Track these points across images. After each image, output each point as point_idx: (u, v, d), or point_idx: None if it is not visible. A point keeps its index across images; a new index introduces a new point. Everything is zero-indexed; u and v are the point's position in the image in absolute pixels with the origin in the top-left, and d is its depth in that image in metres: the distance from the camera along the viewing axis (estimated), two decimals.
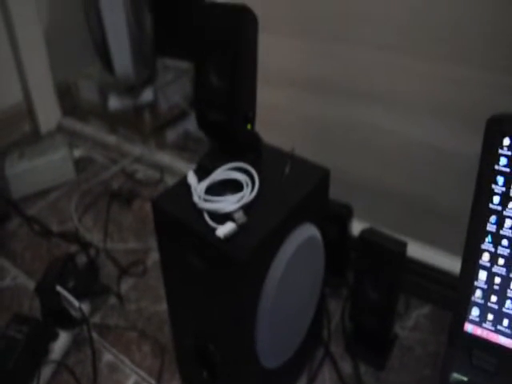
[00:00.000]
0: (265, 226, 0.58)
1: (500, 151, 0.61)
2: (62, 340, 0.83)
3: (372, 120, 0.97)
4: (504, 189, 0.62)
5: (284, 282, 0.61)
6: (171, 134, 1.45)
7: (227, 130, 0.64)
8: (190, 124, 1.46)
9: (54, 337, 0.82)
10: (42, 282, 0.85)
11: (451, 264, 0.86)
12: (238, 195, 0.60)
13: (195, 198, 0.60)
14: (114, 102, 1.42)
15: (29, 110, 1.48)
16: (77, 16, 1.38)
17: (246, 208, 0.59)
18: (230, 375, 0.67)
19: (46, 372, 0.79)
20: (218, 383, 0.70)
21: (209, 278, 0.60)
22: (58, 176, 1.26)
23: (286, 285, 0.62)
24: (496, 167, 0.62)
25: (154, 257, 1.03)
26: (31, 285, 0.95)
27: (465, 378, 0.65)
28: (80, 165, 1.32)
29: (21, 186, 1.21)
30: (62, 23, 1.50)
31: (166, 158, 1.31)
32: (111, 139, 1.40)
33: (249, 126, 0.65)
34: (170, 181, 1.21)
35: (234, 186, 0.62)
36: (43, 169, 1.24)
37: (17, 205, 1.17)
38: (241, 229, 0.57)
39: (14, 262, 1.03)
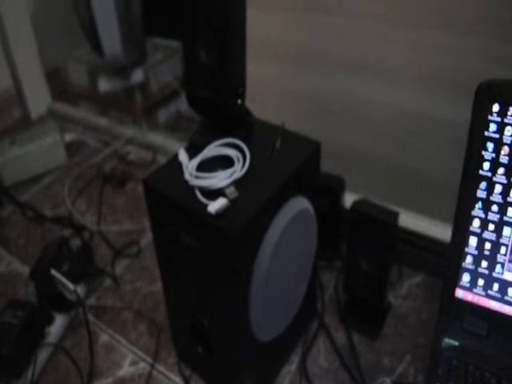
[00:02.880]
0: (256, 200, 0.58)
1: (489, 117, 0.61)
2: (58, 323, 0.83)
3: (361, 91, 0.96)
4: (494, 155, 0.62)
5: (276, 256, 0.61)
6: (163, 114, 1.44)
7: (217, 106, 0.63)
8: (182, 103, 1.45)
9: (50, 320, 0.82)
10: (36, 266, 0.85)
11: (442, 232, 0.86)
12: (229, 171, 0.59)
13: (186, 176, 0.60)
14: (104, 84, 1.40)
15: (18, 96, 1.47)
16: None
17: (238, 183, 0.59)
18: (225, 350, 0.68)
19: (43, 355, 0.80)
20: (214, 358, 0.70)
21: (202, 254, 0.60)
22: (50, 161, 1.26)
23: (279, 258, 0.62)
24: (486, 133, 0.62)
25: (148, 238, 1.03)
26: (26, 270, 0.95)
27: (456, 343, 0.65)
28: (72, 149, 1.31)
29: (13, 172, 1.21)
30: (49, 6, 1.49)
31: (158, 138, 1.30)
32: (102, 122, 1.39)
33: (239, 102, 0.64)
34: (163, 161, 1.19)
35: (225, 162, 0.61)
36: (35, 154, 1.23)
37: (9, 191, 1.17)
38: (233, 204, 0.57)
39: (7, 249, 1.03)
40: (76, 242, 0.99)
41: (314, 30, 0.98)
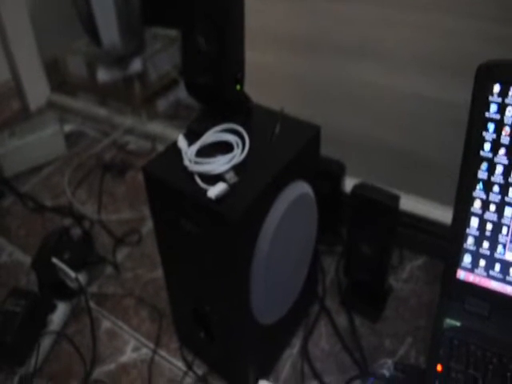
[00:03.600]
0: (256, 185, 0.58)
1: (490, 98, 0.61)
2: (61, 311, 0.83)
3: (361, 75, 0.96)
4: (495, 135, 0.62)
5: (277, 240, 0.61)
6: (162, 104, 1.44)
7: (216, 92, 0.63)
8: (181, 92, 1.44)
9: (52, 308, 0.82)
10: (37, 255, 0.85)
11: (443, 215, 0.86)
12: (229, 156, 0.59)
13: (186, 162, 0.60)
14: (103, 75, 1.40)
15: (17, 88, 1.46)
16: None
17: (237, 168, 0.59)
18: (226, 334, 0.68)
19: (46, 343, 0.80)
20: (216, 342, 0.71)
21: (202, 240, 0.60)
22: (50, 152, 1.26)
23: (279, 242, 0.62)
24: (486, 114, 0.62)
25: (148, 225, 1.03)
26: (27, 260, 0.96)
27: (458, 324, 0.66)
28: (71, 139, 1.31)
29: (13, 163, 1.21)
30: None
31: (157, 127, 1.30)
32: (101, 112, 1.39)
33: (238, 87, 0.64)
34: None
35: (224, 148, 0.61)
36: (34, 145, 1.23)
37: (10, 182, 1.17)
38: (232, 189, 0.57)
39: (9, 239, 1.04)
40: (77, 232, 1.00)
41: (312, 15, 0.98)
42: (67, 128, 1.32)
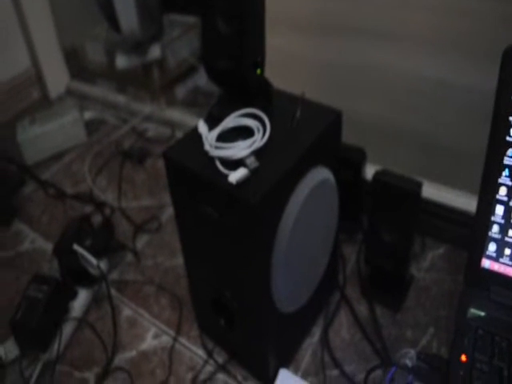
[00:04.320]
0: (277, 170, 0.57)
1: None
2: (82, 298, 0.84)
3: (381, 59, 0.94)
4: None
5: (298, 226, 0.61)
6: (180, 90, 1.43)
7: (237, 76, 0.62)
8: (200, 79, 1.44)
9: (74, 295, 0.83)
10: (59, 242, 0.86)
11: (466, 203, 0.84)
12: (250, 141, 0.59)
13: (206, 147, 0.59)
14: (122, 61, 1.40)
15: (37, 76, 1.47)
16: None
17: (258, 153, 0.58)
18: (247, 322, 0.68)
19: (68, 329, 0.81)
20: (236, 330, 0.70)
21: (223, 226, 0.60)
22: (70, 139, 1.26)
23: (300, 229, 0.62)
24: None
25: (168, 213, 1.03)
26: (49, 247, 0.97)
27: (482, 313, 0.64)
28: (91, 127, 1.31)
29: (34, 151, 1.22)
30: None
31: (176, 114, 1.29)
32: (120, 99, 1.39)
33: (258, 72, 0.63)
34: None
35: (245, 133, 0.60)
36: (55, 133, 1.24)
37: (31, 170, 1.18)
38: (253, 174, 0.56)
39: (31, 226, 1.05)
40: (97, 219, 1.01)
41: None
42: (87, 115, 1.32)
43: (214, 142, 0.59)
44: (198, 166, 0.59)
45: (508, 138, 0.61)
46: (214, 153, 0.58)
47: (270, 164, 0.58)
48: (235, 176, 0.55)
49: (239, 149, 0.58)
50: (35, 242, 1.01)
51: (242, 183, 0.55)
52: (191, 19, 1.45)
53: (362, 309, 0.81)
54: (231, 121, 0.62)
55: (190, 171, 0.60)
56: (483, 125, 0.63)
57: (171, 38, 1.40)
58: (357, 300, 0.82)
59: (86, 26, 1.47)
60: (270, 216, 0.58)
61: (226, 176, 0.55)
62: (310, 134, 0.62)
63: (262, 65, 0.64)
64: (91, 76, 1.51)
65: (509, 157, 0.62)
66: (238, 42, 0.60)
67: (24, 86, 1.46)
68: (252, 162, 0.57)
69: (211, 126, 0.62)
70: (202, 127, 0.62)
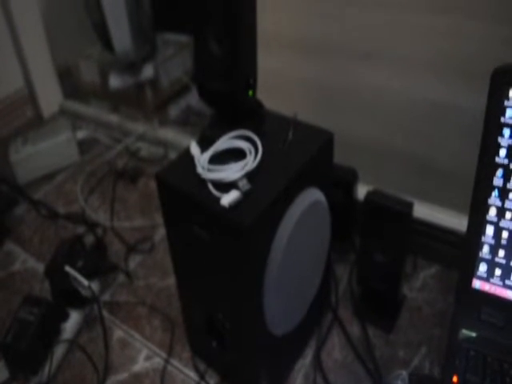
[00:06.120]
0: (269, 192, 0.57)
1: (506, 103, 0.60)
2: (74, 319, 0.84)
3: (373, 80, 0.95)
4: (510, 141, 0.61)
5: (290, 248, 0.61)
6: (174, 110, 1.44)
7: (229, 98, 0.63)
8: (192, 98, 1.45)
9: (66, 317, 0.83)
10: (51, 263, 0.86)
11: (457, 223, 0.85)
12: (242, 163, 0.59)
13: (199, 169, 0.60)
14: (115, 81, 1.40)
15: (30, 95, 1.47)
16: None
17: (250, 175, 0.58)
18: (239, 344, 0.68)
19: (59, 351, 0.80)
20: (228, 352, 0.70)
21: (215, 247, 0.60)
22: (63, 159, 1.26)
23: (293, 250, 0.62)
24: (502, 120, 0.61)
25: (160, 233, 1.03)
26: (40, 268, 0.96)
27: (473, 334, 0.65)
28: (84, 146, 1.31)
29: (26, 170, 1.22)
30: (59, 5, 1.48)
31: (169, 133, 1.30)
32: (114, 118, 1.39)
33: (250, 93, 0.64)
34: (174, 157, 1.20)
35: (237, 155, 0.61)
36: (47, 152, 1.24)
37: (23, 190, 1.17)
38: (245, 196, 0.56)
39: (22, 247, 1.04)
40: (89, 239, 1.00)
41: (324, 20, 0.97)
42: (80, 135, 1.32)
43: (206, 165, 0.60)
44: (191, 188, 0.59)
45: (497, 159, 0.62)
46: (207, 175, 0.59)
47: (262, 186, 0.58)
48: (228, 199, 0.55)
49: (231, 171, 0.58)
50: (27, 263, 1.00)
51: (235, 206, 0.55)
52: (184, 38, 1.46)
53: (355, 329, 0.81)
54: (223, 143, 0.62)
55: (182, 193, 0.60)
56: (475, 145, 0.64)
57: (164, 58, 1.41)
58: (349, 320, 0.82)
59: (80, 45, 1.48)
60: (263, 238, 0.58)
61: (219, 199, 0.56)
62: (302, 156, 0.62)
63: (253, 86, 0.64)
64: (84, 95, 1.51)
65: (498, 177, 0.63)
66: (230, 63, 0.61)
67: (17, 105, 1.46)
68: (244, 184, 0.57)
69: (204, 147, 0.63)
70: (195, 149, 0.63)
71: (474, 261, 0.67)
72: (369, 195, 0.75)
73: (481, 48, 0.81)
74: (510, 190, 0.62)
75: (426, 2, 0.84)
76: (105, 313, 0.87)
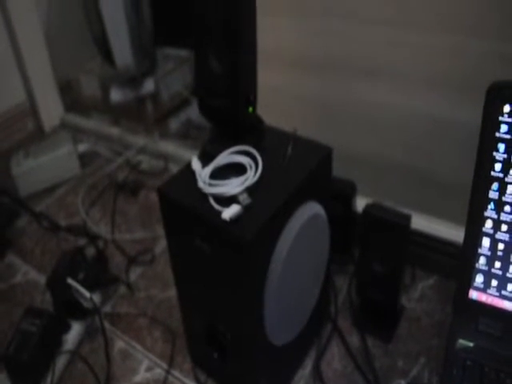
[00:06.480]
0: (269, 207, 0.58)
1: (500, 118, 0.61)
2: (75, 331, 0.84)
3: (372, 95, 0.97)
4: (505, 155, 0.62)
5: (290, 260, 0.62)
6: (174, 123, 1.46)
7: (229, 114, 0.64)
8: (192, 112, 1.46)
9: (67, 328, 0.83)
10: (52, 275, 0.86)
11: (455, 234, 0.86)
12: (242, 178, 0.60)
13: (200, 184, 0.61)
14: (116, 95, 1.42)
15: (32, 109, 1.49)
16: (76, 11, 1.38)
17: (251, 190, 0.60)
18: (240, 354, 0.68)
19: (61, 362, 0.81)
20: (229, 363, 0.71)
21: (216, 260, 0.61)
22: (64, 172, 1.28)
23: (292, 263, 0.63)
24: (497, 134, 0.62)
25: (161, 245, 1.04)
26: (42, 279, 0.97)
27: (471, 344, 0.65)
28: (85, 159, 1.33)
29: (28, 183, 1.23)
30: (60, 19, 1.50)
31: (169, 146, 1.31)
32: (114, 132, 1.41)
33: (250, 109, 0.65)
34: (175, 169, 1.21)
35: (238, 170, 0.62)
36: (49, 166, 1.25)
37: (25, 202, 1.18)
38: (246, 210, 0.57)
39: (24, 259, 1.05)
40: (91, 251, 1.01)
41: (324, 37, 0.99)
42: (81, 148, 1.33)
43: (207, 179, 0.61)
44: (192, 202, 0.60)
45: (492, 173, 0.63)
46: (208, 190, 0.60)
47: (263, 200, 0.59)
48: (228, 213, 0.56)
49: (232, 186, 0.59)
50: (28, 275, 1.01)
51: (236, 220, 0.57)
52: (184, 53, 1.48)
53: (354, 340, 0.81)
54: (224, 158, 0.63)
55: (184, 207, 0.61)
56: (472, 159, 0.65)
57: (164, 72, 1.43)
58: (348, 331, 0.83)
59: (81, 59, 1.50)
60: (263, 251, 0.59)
61: (220, 212, 0.57)
62: (302, 171, 0.63)
63: (254, 102, 0.65)
64: (85, 109, 1.53)
65: (494, 191, 0.64)
66: (231, 80, 0.62)
67: (18, 118, 1.47)
68: (245, 198, 0.58)
69: (204, 162, 0.64)
70: (196, 164, 0.64)
71: (471, 272, 0.68)
72: (367, 208, 0.76)
73: (479, 64, 0.83)
74: (505, 203, 0.64)
75: (426, 21, 0.85)
76: (106, 324, 0.88)
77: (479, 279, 0.68)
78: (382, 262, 0.77)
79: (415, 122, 0.93)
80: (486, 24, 0.80)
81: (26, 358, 0.74)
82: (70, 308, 0.84)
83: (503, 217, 0.64)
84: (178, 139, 1.37)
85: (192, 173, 0.63)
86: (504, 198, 0.64)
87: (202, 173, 0.62)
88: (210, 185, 0.60)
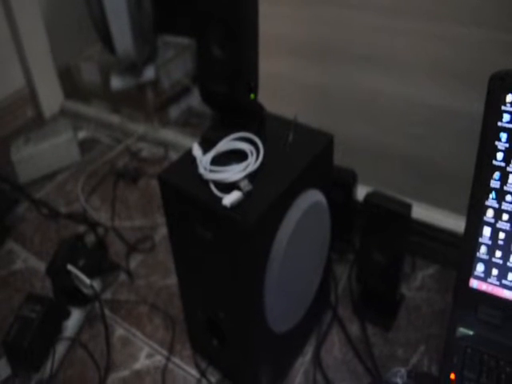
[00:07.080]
0: (270, 193, 0.58)
1: (503, 108, 0.61)
2: (75, 317, 0.84)
3: (372, 83, 0.96)
4: (507, 145, 0.62)
5: (291, 248, 0.62)
6: (174, 111, 1.45)
7: (231, 101, 0.64)
8: (193, 100, 1.46)
9: (67, 315, 0.83)
10: (52, 262, 0.86)
11: (455, 224, 0.86)
12: (243, 164, 0.60)
13: (201, 170, 0.61)
14: (116, 82, 1.41)
15: (31, 95, 1.48)
16: None
17: (252, 176, 0.59)
18: (240, 341, 0.69)
19: (61, 349, 0.81)
20: (229, 350, 0.71)
21: (217, 247, 0.61)
22: (64, 158, 1.27)
23: (293, 250, 0.63)
24: (499, 124, 0.61)
25: (161, 232, 1.04)
26: (42, 266, 0.97)
27: (471, 332, 0.65)
28: (85, 146, 1.32)
29: (27, 170, 1.23)
30: (60, 5, 1.49)
31: (169, 134, 1.31)
32: (114, 119, 1.40)
33: (252, 96, 0.65)
34: (175, 157, 1.20)
35: (239, 156, 0.62)
36: (49, 152, 1.25)
37: (24, 189, 1.18)
38: (247, 197, 0.57)
39: (23, 245, 1.05)
40: (91, 238, 1.01)
41: (324, 24, 0.98)
42: (81, 135, 1.33)
43: (208, 166, 0.61)
44: (193, 188, 0.60)
45: (494, 162, 0.63)
46: (209, 176, 0.60)
47: (264, 187, 0.59)
48: (229, 199, 0.56)
49: (233, 172, 0.59)
50: (28, 262, 1.01)
51: (236, 206, 0.56)
52: (185, 40, 1.47)
53: (354, 328, 0.82)
54: (225, 144, 0.63)
55: (184, 194, 0.61)
56: (473, 148, 0.64)
57: (165, 60, 1.42)
58: (348, 319, 0.83)
59: (81, 46, 1.49)
60: (264, 238, 0.59)
61: (220, 199, 0.57)
62: (303, 158, 0.63)
63: (255, 89, 0.65)
64: (85, 96, 1.52)
65: (495, 180, 0.64)
66: (233, 66, 0.61)
67: (18, 105, 1.47)
68: (246, 185, 0.58)
69: (205, 149, 0.64)
70: (197, 150, 0.64)
71: (472, 261, 0.68)
72: (368, 196, 0.76)
73: (480, 54, 0.82)
74: (506, 192, 0.63)
75: (426, 9, 0.85)
76: (106, 311, 0.88)
77: (480, 268, 0.67)
78: (382, 250, 0.77)
79: (416, 111, 0.93)
80: (488, 13, 0.80)
81: (26, 344, 0.74)
82: (70, 295, 0.84)
83: (504, 206, 0.64)
84: (178, 127, 1.37)
85: (193, 159, 0.63)
86: (506, 188, 0.63)
87: (203, 159, 0.62)
88: (211, 171, 0.60)
